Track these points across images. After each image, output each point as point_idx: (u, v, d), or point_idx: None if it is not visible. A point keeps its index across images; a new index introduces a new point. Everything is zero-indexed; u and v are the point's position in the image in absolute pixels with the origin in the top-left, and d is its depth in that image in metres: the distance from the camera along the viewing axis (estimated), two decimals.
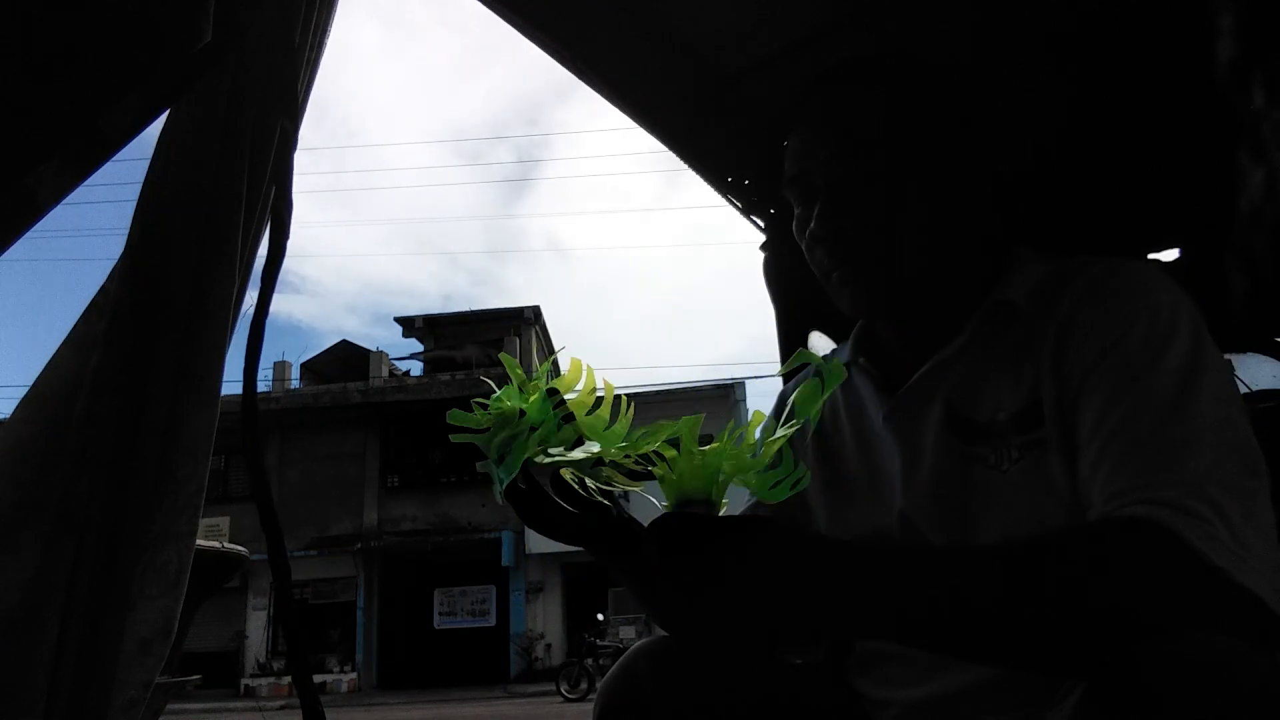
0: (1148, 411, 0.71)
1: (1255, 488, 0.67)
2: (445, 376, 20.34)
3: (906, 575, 0.64)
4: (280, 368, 21.60)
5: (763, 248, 1.73)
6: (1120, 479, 0.69)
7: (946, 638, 0.63)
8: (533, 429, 0.71)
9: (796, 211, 0.94)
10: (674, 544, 0.63)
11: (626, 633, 17.27)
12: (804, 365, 1.09)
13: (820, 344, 1.64)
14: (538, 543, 18.98)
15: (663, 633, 0.98)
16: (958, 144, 0.89)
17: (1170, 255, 1.63)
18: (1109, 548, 0.63)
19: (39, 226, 0.79)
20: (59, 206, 0.78)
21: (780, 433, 0.70)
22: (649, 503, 0.76)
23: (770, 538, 0.63)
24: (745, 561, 0.62)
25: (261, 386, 0.95)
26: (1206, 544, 0.61)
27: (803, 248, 0.92)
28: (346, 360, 22.06)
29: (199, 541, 0.96)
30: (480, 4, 1.16)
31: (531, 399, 0.72)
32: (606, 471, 0.74)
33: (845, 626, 0.63)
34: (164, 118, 0.94)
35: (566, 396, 0.73)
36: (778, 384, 1.74)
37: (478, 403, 0.74)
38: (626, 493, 0.79)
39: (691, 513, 0.66)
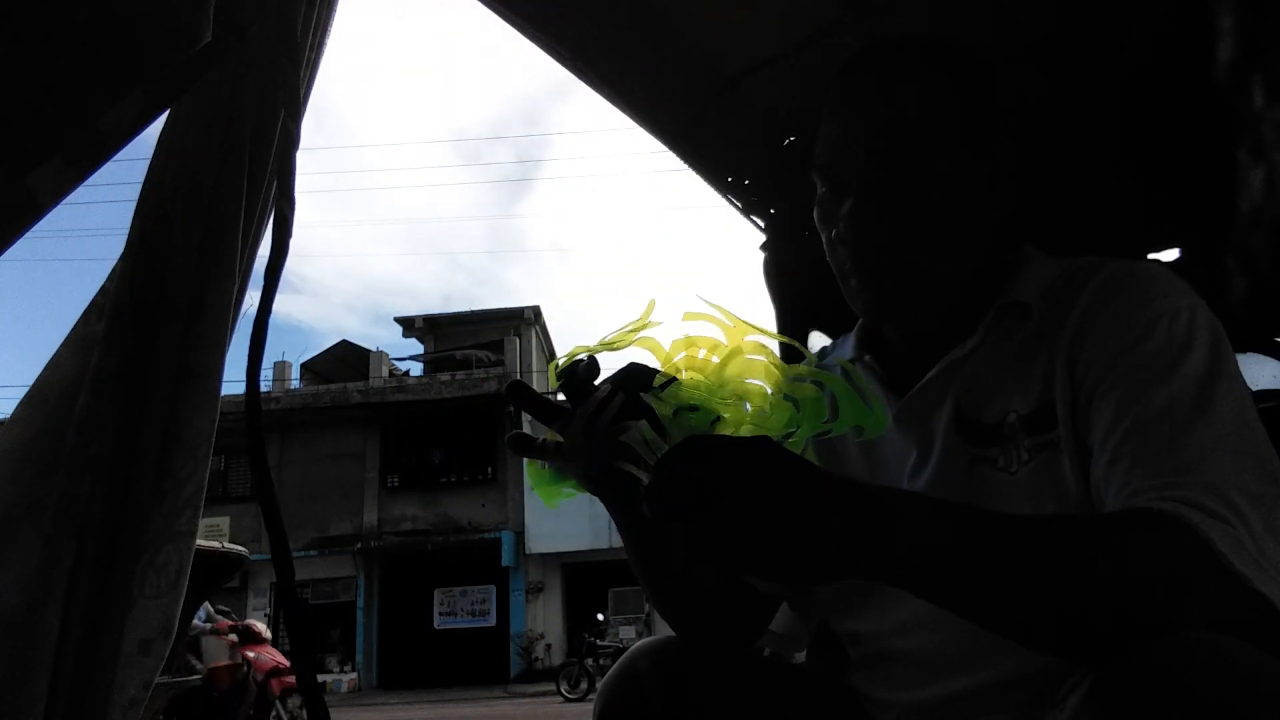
0: (1167, 415, 0.70)
1: (1275, 496, 0.66)
2: (445, 376, 20.35)
3: (922, 514, 0.62)
4: (280, 368, 21.60)
5: (762, 248, 1.73)
6: (1139, 478, 0.68)
7: (955, 589, 0.62)
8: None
9: (820, 194, 0.89)
10: (675, 468, 0.60)
11: (626, 633, 17.29)
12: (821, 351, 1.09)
13: (820, 344, 1.64)
14: (538, 543, 18.99)
15: (661, 633, 0.98)
16: (1000, 144, 0.86)
17: (1170, 255, 1.63)
18: (1132, 534, 0.62)
19: (39, 226, 0.79)
20: (59, 206, 0.78)
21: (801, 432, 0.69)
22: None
23: (777, 455, 0.61)
24: (750, 477, 0.59)
25: (261, 386, 0.95)
26: (1229, 547, 0.61)
27: (823, 238, 0.89)
28: (346, 360, 22.06)
29: (199, 541, 0.96)
30: (480, 4, 1.16)
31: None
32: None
33: (855, 557, 0.60)
34: (164, 118, 0.94)
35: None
36: None
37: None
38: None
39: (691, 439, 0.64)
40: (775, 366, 0.70)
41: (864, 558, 0.61)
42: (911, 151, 0.82)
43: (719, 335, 0.72)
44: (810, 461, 0.64)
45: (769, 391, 0.70)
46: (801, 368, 0.71)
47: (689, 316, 0.71)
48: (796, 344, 0.81)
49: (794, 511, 0.59)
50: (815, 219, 0.90)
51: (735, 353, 0.70)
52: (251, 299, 1.01)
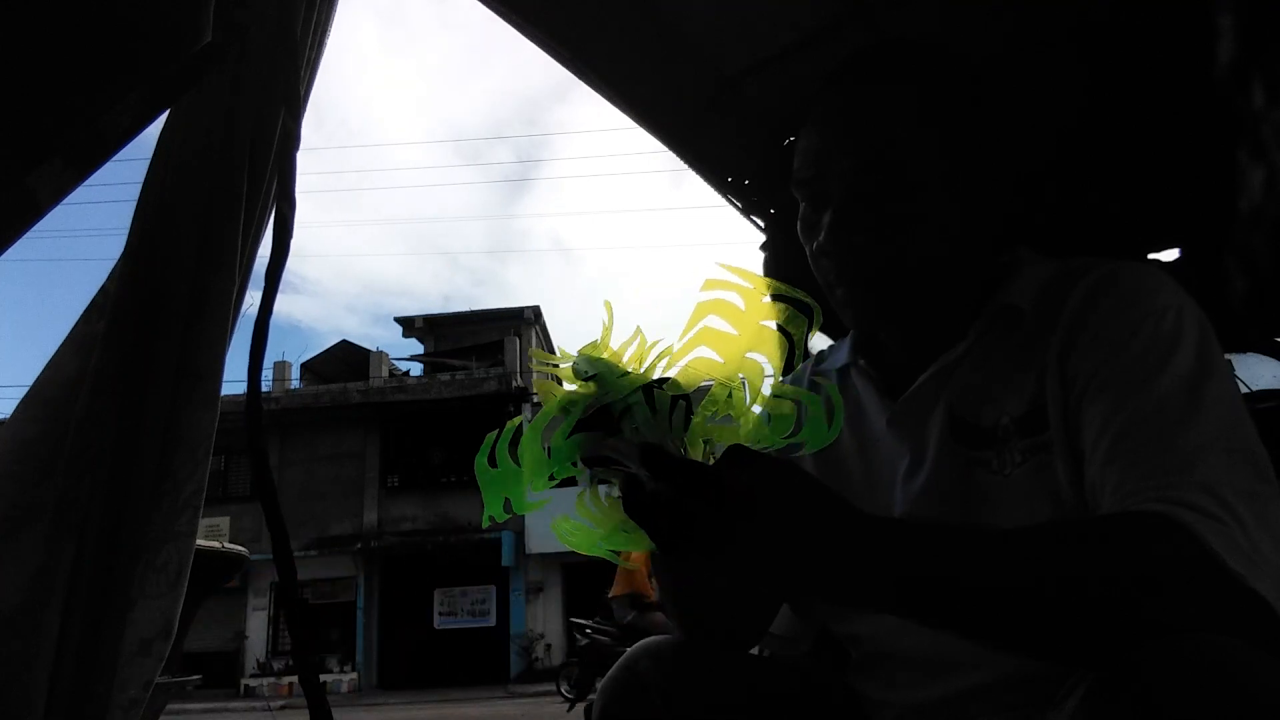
0: (1158, 415, 0.70)
1: (1268, 494, 0.66)
2: (445, 377, 20.35)
3: (920, 541, 0.63)
4: (280, 368, 21.59)
5: (763, 247, 1.73)
6: (1133, 479, 0.69)
7: (953, 610, 0.62)
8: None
9: (802, 209, 0.90)
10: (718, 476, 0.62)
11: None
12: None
13: (818, 344, 1.64)
14: (538, 543, 18.97)
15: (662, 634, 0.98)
16: (984, 149, 0.86)
17: (1170, 255, 1.63)
18: (1127, 538, 0.63)
19: (39, 226, 0.79)
20: (59, 206, 0.78)
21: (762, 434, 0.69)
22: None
23: (805, 476, 0.63)
24: (784, 494, 0.61)
25: (262, 386, 0.95)
26: (1223, 546, 0.61)
27: (807, 251, 0.90)
28: (346, 360, 22.05)
29: (199, 541, 0.96)
30: (480, 4, 1.16)
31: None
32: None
33: (853, 585, 0.62)
34: (164, 118, 0.94)
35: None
36: None
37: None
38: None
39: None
40: (772, 376, 0.70)
41: (864, 588, 0.63)
42: (890, 161, 0.82)
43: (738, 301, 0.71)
44: (830, 489, 0.65)
45: (747, 402, 0.70)
46: (786, 386, 0.71)
47: (709, 285, 0.70)
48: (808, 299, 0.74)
49: (815, 534, 0.61)
50: (799, 230, 0.91)
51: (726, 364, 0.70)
52: (252, 299, 1.01)
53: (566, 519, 0.72)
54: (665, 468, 0.63)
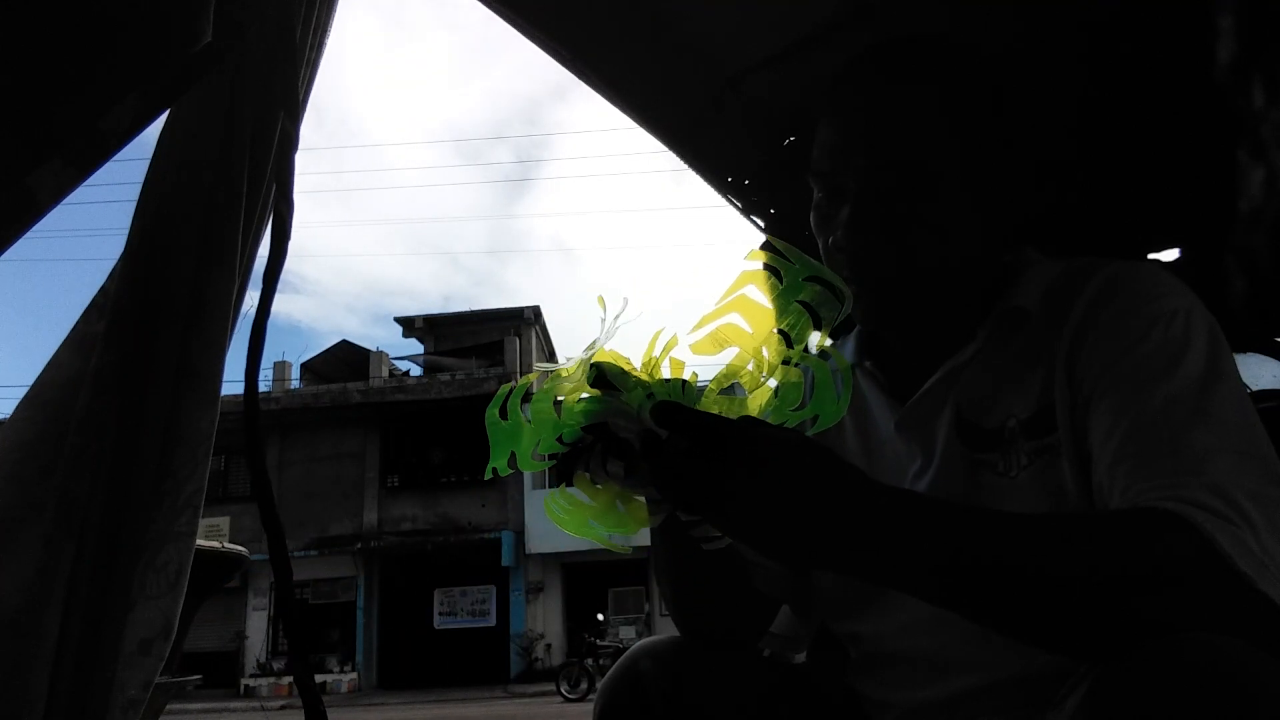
0: (1167, 417, 0.70)
1: (1278, 497, 0.66)
2: (445, 377, 20.35)
3: (926, 512, 0.64)
4: (280, 368, 21.60)
5: (763, 248, 1.73)
6: (1141, 479, 0.68)
7: (957, 590, 0.63)
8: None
9: (817, 198, 0.89)
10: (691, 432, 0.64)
11: (626, 633, 17.31)
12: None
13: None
14: (538, 542, 18.98)
15: (661, 633, 0.98)
16: (1001, 151, 0.86)
17: (1170, 255, 1.63)
18: (1136, 533, 0.63)
19: (39, 226, 0.79)
20: (59, 206, 0.78)
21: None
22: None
23: (799, 442, 0.65)
24: (791, 460, 0.63)
25: (261, 386, 0.95)
26: (1234, 547, 0.61)
27: (820, 244, 0.89)
28: (346, 360, 22.05)
29: (199, 541, 0.96)
30: (480, 4, 1.16)
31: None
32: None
33: (854, 551, 0.63)
34: (164, 118, 0.94)
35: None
36: None
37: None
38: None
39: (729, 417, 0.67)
40: (769, 348, 0.72)
41: (864, 555, 0.63)
42: (909, 161, 0.82)
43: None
44: (839, 456, 0.66)
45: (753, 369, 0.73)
46: (793, 352, 0.72)
47: (753, 256, 0.74)
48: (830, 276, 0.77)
49: (820, 494, 0.62)
50: (812, 224, 0.90)
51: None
52: (251, 299, 1.01)
53: (562, 492, 0.74)
54: (681, 422, 0.65)
